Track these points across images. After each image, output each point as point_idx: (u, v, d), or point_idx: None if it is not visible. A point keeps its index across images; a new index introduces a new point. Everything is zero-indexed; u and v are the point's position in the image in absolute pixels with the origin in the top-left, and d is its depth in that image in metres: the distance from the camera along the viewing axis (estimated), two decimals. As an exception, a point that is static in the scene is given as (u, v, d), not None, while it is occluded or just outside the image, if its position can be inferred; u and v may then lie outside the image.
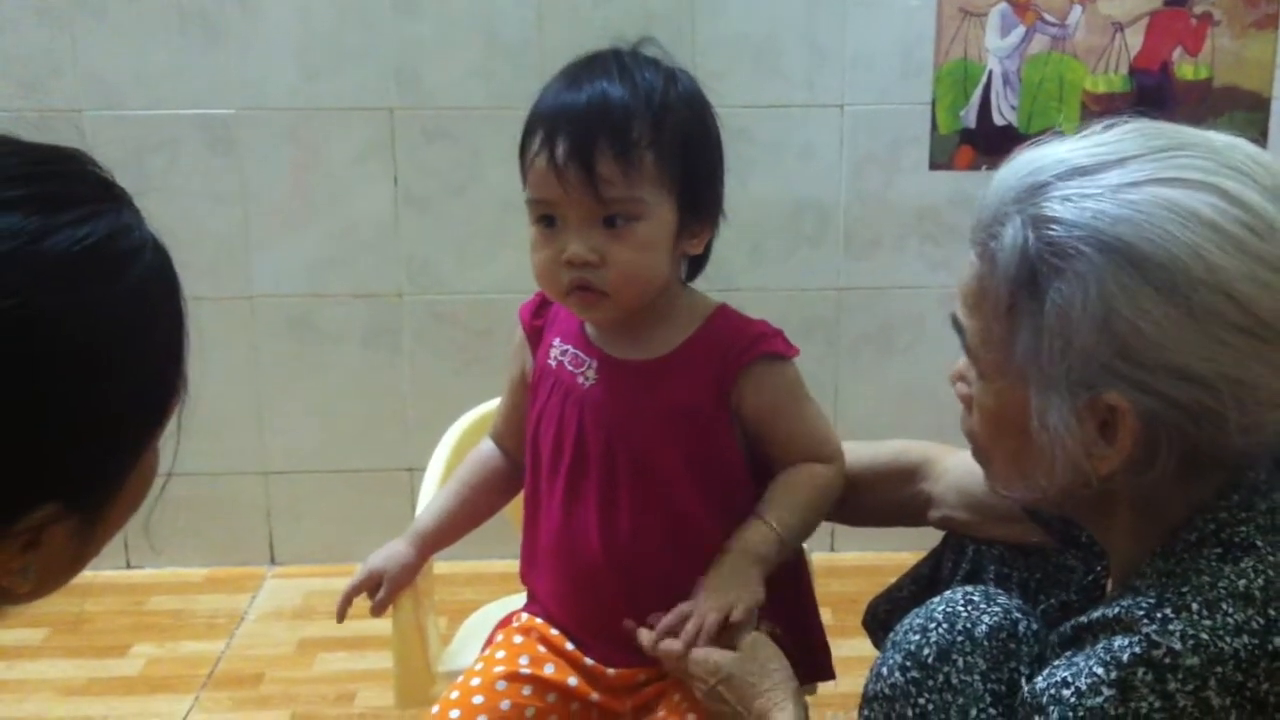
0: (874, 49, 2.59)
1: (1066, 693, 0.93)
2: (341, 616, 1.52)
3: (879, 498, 1.51)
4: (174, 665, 2.45)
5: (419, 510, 1.61)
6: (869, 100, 2.61)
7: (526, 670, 1.42)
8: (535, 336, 1.48)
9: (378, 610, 1.55)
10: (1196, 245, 0.91)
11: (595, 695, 1.41)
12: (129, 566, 2.78)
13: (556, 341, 1.44)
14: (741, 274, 2.62)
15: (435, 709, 1.40)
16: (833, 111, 2.62)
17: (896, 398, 2.68)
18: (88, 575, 2.66)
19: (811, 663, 1.46)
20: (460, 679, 1.44)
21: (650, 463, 1.37)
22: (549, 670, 1.42)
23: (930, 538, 1.48)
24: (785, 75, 2.60)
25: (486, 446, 1.58)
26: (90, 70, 2.55)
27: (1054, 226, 0.95)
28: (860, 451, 1.53)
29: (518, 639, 1.46)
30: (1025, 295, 0.97)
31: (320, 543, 2.80)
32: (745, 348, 1.37)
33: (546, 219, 1.32)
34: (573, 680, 1.42)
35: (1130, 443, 0.95)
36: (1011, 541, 1.38)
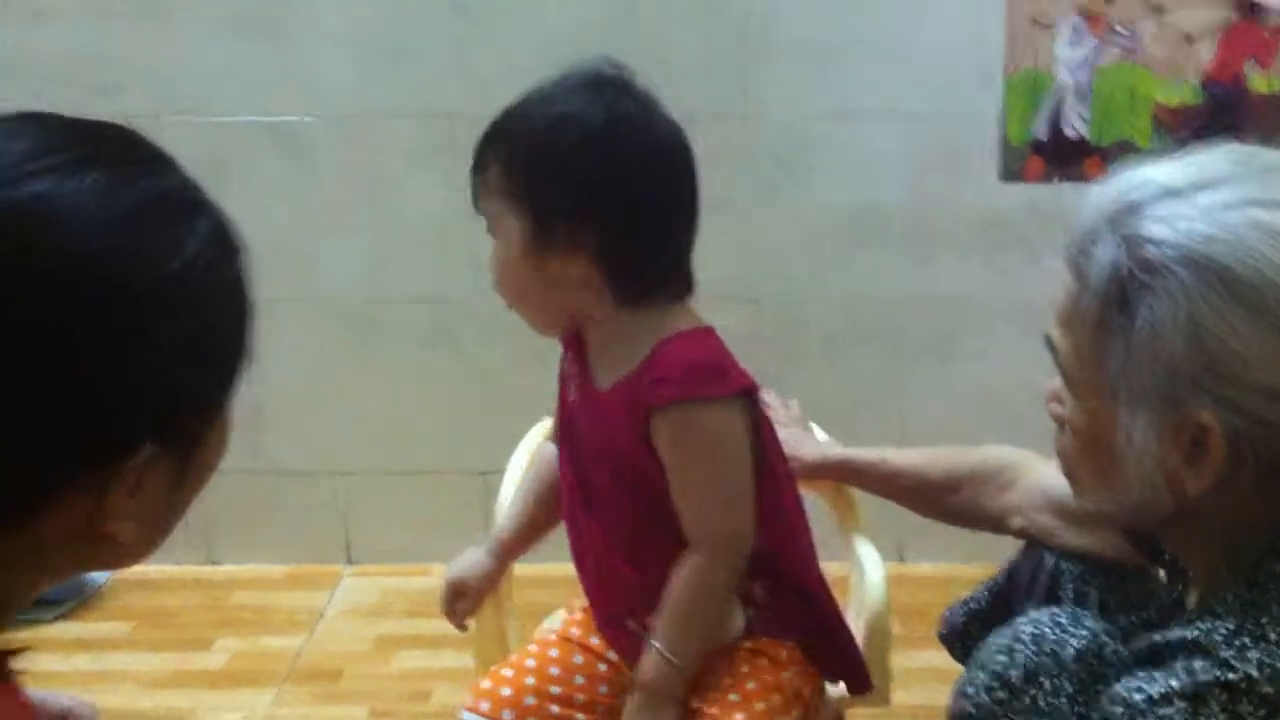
0: (942, 58, 2.61)
1: (1139, 698, 0.96)
2: (462, 624, 1.60)
3: (963, 500, 1.55)
4: (256, 659, 2.52)
5: (497, 516, 1.65)
6: (936, 109, 2.63)
7: (577, 636, 1.51)
8: (566, 342, 1.47)
9: (459, 620, 1.60)
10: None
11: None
12: (211, 563, 2.86)
13: (570, 353, 1.46)
14: (804, 281, 2.66)
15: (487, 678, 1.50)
16: (898, 120, 2.64)
17: (962, 407, 2.70)
18: (171, 570, 2.74)
19: (846, 675, 1.51)
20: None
21: (610, 491, 1.39)
22: (594, 641, 1.50)
23: (1002, 551, 1.51)
24: (851, 82, 2.63)
25: (548, 450, 1.58)
26: (162, 76, 2.62)
27: (1147, 245, 0.97)
28: (951, 454, 1.56)
29: (577, 615, 1.55)
30: (1116, 313, 0.99)
31: (395, 543, 2.86)
32: (645, 392, 1.32)
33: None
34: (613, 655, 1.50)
35: (1218, 461, 0.97)
36: (1091, 554, 1.41)
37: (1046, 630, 1.14)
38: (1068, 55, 2.59)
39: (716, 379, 1.32)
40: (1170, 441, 0.98)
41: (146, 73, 2.63)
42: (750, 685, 1.42)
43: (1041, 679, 1.11)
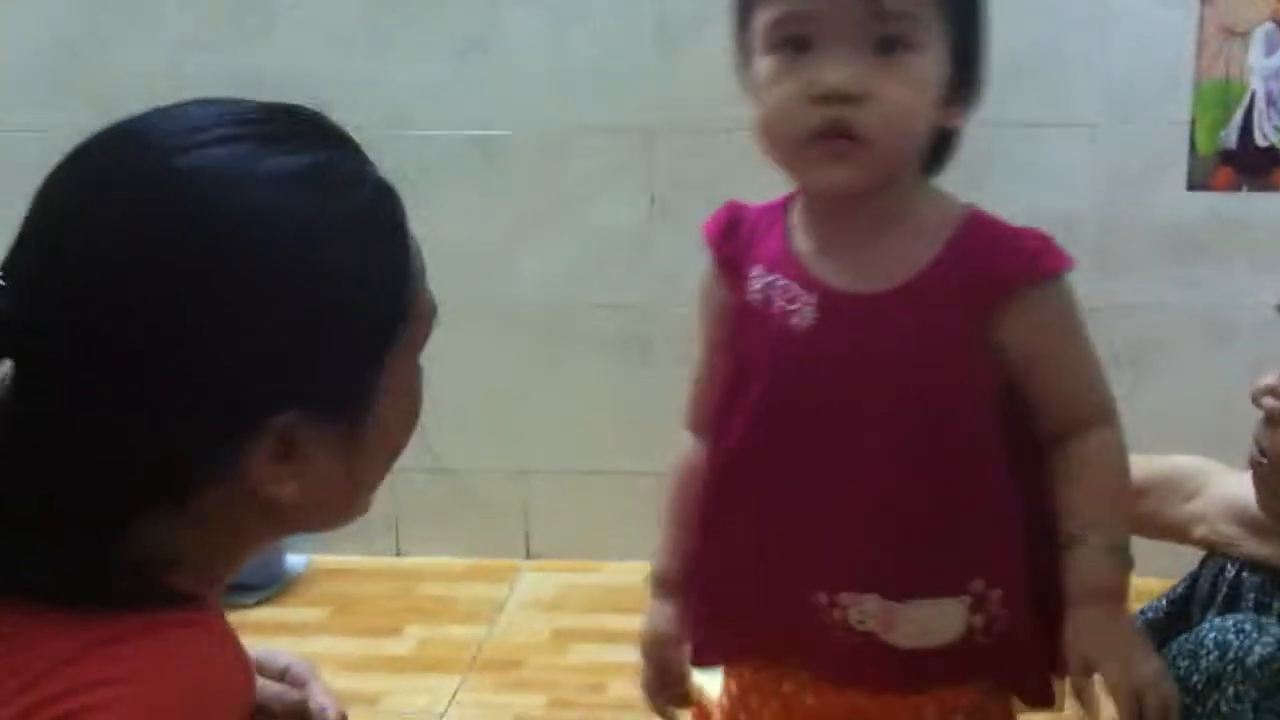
0: (1132, 68, 2.59)
1: None
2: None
3: (1149, 508, 1.55)
4: (441, 648, 2.63)
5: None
6: (1125, 119, 2.61)
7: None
8: (729, 267, 1.21)
9: (682, 703, 1.33)
10: None
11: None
12: (399, 554, 2.99)
13: (758, 270, 1.18)
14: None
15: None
16: (1085, 130, 2.63)
17: (1151, 417, 2.66)
18: (362, 560, 2.86)
19: (1032, 692, 1.23)
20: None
21: (888, 421, 1.12)
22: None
23: (1172, 563, 1.50)
24: (1041, 93, 2.62)
25: (687, 458, 1.32)
26: (374, 93, 2.77)
27: None
28: (1137, 461, 1.57)
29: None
30: None
31: (572, 539, 2.96)
32: (1015, 270, 1.11)
33: (796, 41, 1.06)
34: None
35: None
36: (1273, 565, 1.40)
37: (1230, 636, 1.15)
38: (1262, 63, 2.54)
39: (1056, 251, 1.14)
40: None
41: (359, 89, 2.78)
42: None
43: (1225, 685, 1.12)
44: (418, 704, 2.42)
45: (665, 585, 1.30)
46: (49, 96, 2.80)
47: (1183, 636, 1.19)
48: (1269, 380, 1.15)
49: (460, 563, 2.98)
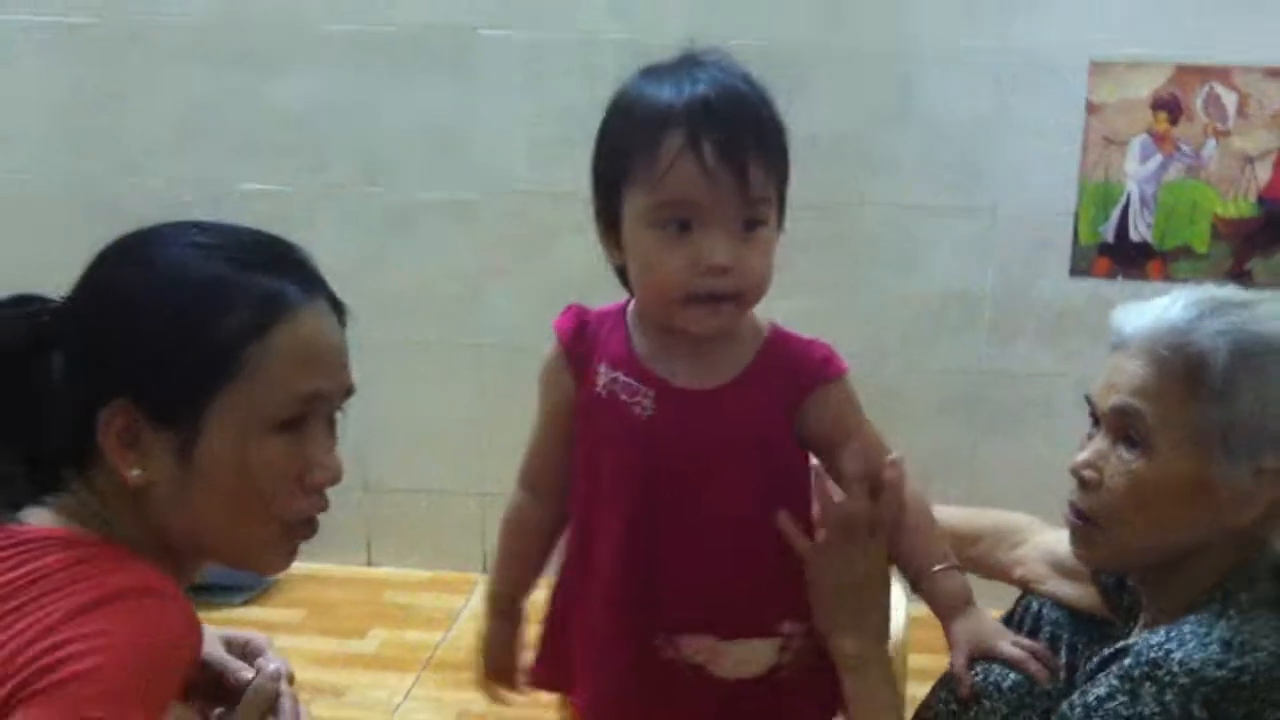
0: (1028, 167, 2.97)
1: (1090, 699, 1.29)
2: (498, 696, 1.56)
3: (981, 551, 1.86)
4: (401, 649, 2.96)
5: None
6: (1018, 210, 3.00)
7: None
8: (577, 362, 1.39)
9: (497, 697, 1.56)
10: None
11: None
12: (370, 564, 3.34)
13: (603, 368, 1.36)
14: (896, 355, 3.03)
15: None
16: (985, 217, 3.01)
17: (1026, 475, 2.99)
18: (336, 569, 3.19)
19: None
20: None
21: (722, 492, 1.34)
22: None
23: (1004, 601, 1.84)
24: (948, 183, 3.01)
25: (519, 511, 1.51)
26: (363, 146, 3.11)
27: (1248, 338, 1.30)
28: (975, 513, 1.88)
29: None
30: (1222, 386, 1.30)
31: (525, 557, 3.29)
32: (813, 372, 1.35)
33: (679, 221, 1.23)
34: None
35: (1272, 496, 1.30)
36: (1070, 603, 1.72)
37: (995, 665, 1.48)
38: (1137, 170, 2.92)
39: (838, 357, 1.39)
40: (1253, 481, 1.31)
41: (349, 147, 3.13)
42: None
43: (983, 700, 1.45)
44: (378, 697, 2.75)
45: (498, 608, 1.54)
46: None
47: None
48: (1086, 456, 1.46)
49: (424, 574, 3.32)
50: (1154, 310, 1.38)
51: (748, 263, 1.24)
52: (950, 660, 1.44)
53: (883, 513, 1.38)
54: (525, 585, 1.53)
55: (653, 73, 1.28)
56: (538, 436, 1.47)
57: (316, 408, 1.11)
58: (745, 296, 1.28)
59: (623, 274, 1.35)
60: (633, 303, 1.39)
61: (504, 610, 1.53)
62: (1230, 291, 1.37)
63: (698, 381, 1.33)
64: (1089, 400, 1.45)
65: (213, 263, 1.08)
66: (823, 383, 1.34)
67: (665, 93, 1.24)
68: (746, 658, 1.38)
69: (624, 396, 1.33)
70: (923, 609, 1.48)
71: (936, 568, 1.42)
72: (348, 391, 1.17)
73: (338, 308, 1.16)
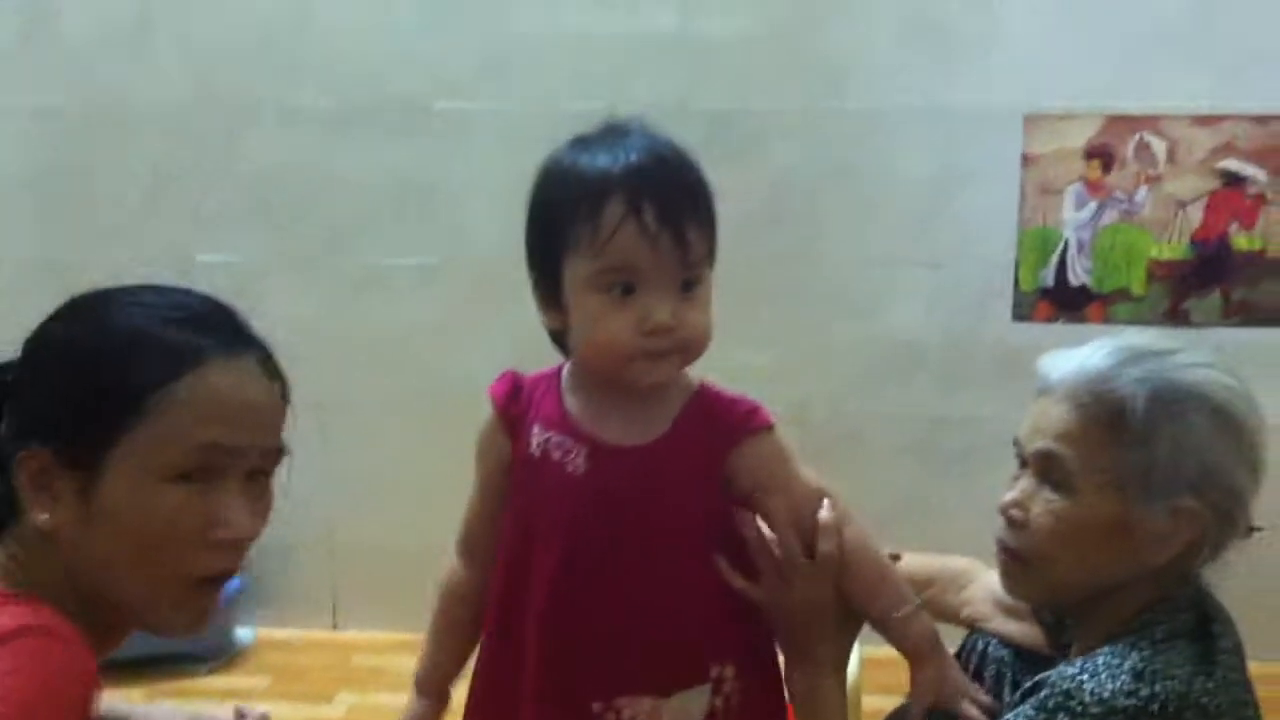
0: (968, 218, 3.08)
1: None
2: None
3: (932, 595, 1.90)
4: (369, 713, 2.98)
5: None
6: (962, 260, 3.09)
7: None
8: (511, 424, 1.41)
9: None
10: (1247, 406, 1.36)
11: None
12: (336, 628, 3.37)
13: (537, 428, 1.38)
14: (848, 402, 3.10)
15: None
16: (931, 268, 3.11)
17: (978, 515, 3.07)
18: (303, 634, 3.21)
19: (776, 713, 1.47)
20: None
21: (654, 544, 1.35)
22: None
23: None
24: (893, 235, 3.10)
25: (454, 578, 1.50)
26: (329, 221, 3.17)
27: (1166, 386, 1.35)
28: (925, 558, 1.93)
29: None
30: (1141, 431, 1.35)
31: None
32: (739, 425, 1.36)
33: (623, 285, 1.27)
34: None
35: (1189, 536, 1.35)
36: (1014, 640, 1.78)
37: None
38: (1073, 217, 3.02)
39: (762, 411, 1.39)
40: (1171, 522, 1.36)
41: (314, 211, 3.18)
42: None
43: None
44: (346, 762, 2.79)
45: (424, 687, 1.54)
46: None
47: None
48: (1013, 496, 1.51)
49: (392, 636, 3.32)
50: (1077, 358, 1.43)
51: (689, 319, 1.28)
52: (911, 708, 1.48)
53: (822, 553, 1.40)
54: (458, 661, 1.52)
55: (581, 143, 1.32)
56: (474, 503, 1.48)
57: (226, 462, 1.11)
58: (689, 350, 1.31)
59: (557, 338, 1.39)
60: (567, 366, 1.42)
61: (432, 691, 1.53)
62: (1149, 340, 1.43)
63: (628, 438, 1.35)
64: (1016, 443, 1.51)
65: (139, 318, 1.12)
66: (748, 435, 1.36)
67: (600, 161, 1.28)
68: (685, 710, 1.38)
69: (556, 455, 1.36)
70: (879, 650, 1.51)
71: (900, 612, 1.44)
72: (273, 453, 1.17)
73: (273, 373, 1.17)
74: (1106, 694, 1.30)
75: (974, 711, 1.45)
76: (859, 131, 3.08)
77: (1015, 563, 1.47)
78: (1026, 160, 3.02)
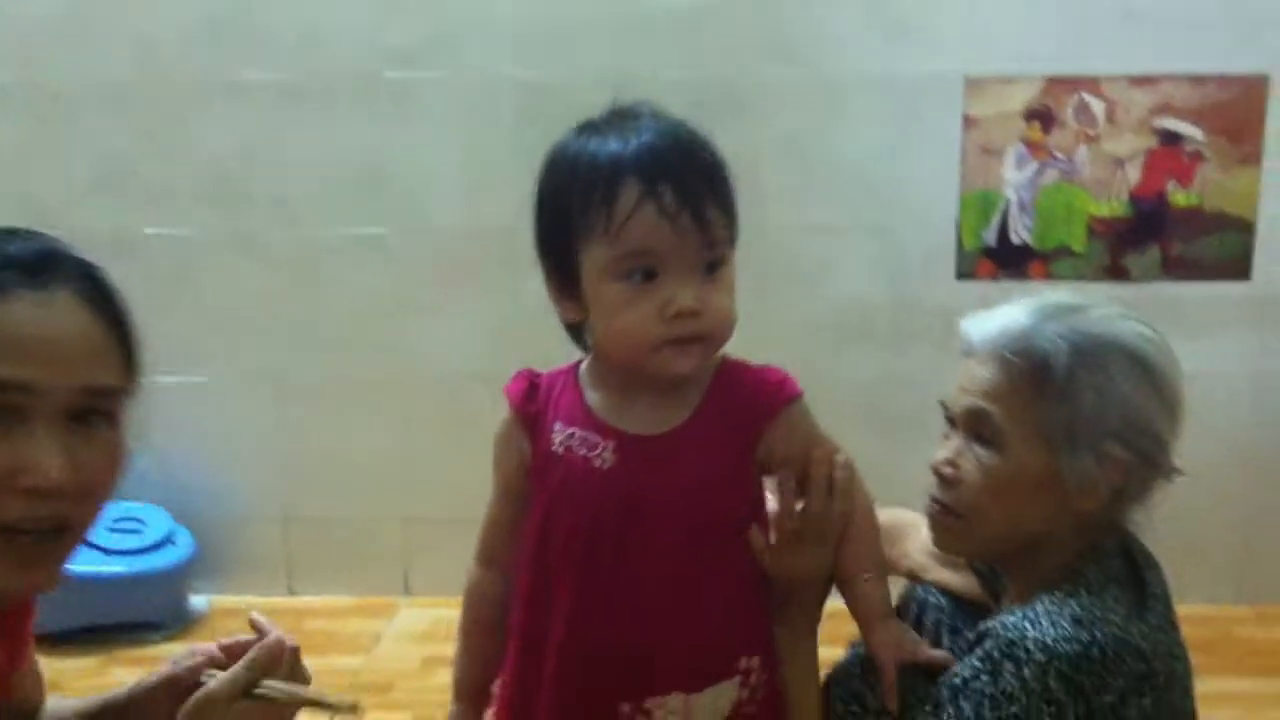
0: (911, 182, 3.12)
1: (956, 680, 1.39)
2: None
3: None
4: (324, 676, 2.94)
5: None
6: (906, 222, 3.14)
7: None
8: (530, 424, 1.37)
9: None
10: (1164, 355, 1.40)
11: None
12: (291, 594, 3.39)
13: (559, 426, 1.35)
14: (799, 367, 3.13)
15: None
16: (875, 232, 3.15)
17: (925, 471, 3.13)
18: (258, 601, 3.26)
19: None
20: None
21: (685, 535, 1.32)
22: None
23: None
24: (838, 202, 3.14)
25: (480, 588, 1.45)
26: (275, 197, 3.17)
27: (1082, 339, 1.39)
28: None
29: None
30: (1064, 384, 1.38)
31: (448, 578, 3.34)
32: (770, 400, 1.35)
33: (644, 270, 1.23)
34: None
35: (1116, 482, 1.40)
36: (952, 589, 1.82)
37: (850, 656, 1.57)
38: (1015, 177, 3.07)
39: (792, 379, 1.41)
40: (1097, 470, 1.40)
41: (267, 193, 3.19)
42: None
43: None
44: (301, 722, 2.80)
45: (461, 692, 1.46)
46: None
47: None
48: (944, 454, 1.55)
49: (347, 600, 3.38)
50: (998, 318, 1.48)
51: (714, 303, 1.25)
52: (875, 662, 1.49)
53: (839, 514, 1.41)
54: (492, 664, 1.44)
55: (589, 128, 1.28)
56: (495, 509, 1.45)
57: (25, 401, 1.03)
58: (714, 337, 1.28)
59: (573, 331, 1.35)
60: (585, 361, 1.39)
61: (471, 695, 1.46)
62: (1066, 296, 1.48)
63: (656, 426, 1.32)
64: (943, 404, 1.54)
65: None
66: (784, 406, 1.36)
67: (611, 144, 1.24)
68: (715, 704, 1.35)
69: (582, 451, 1.32)
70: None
71: (866, 576, 1.45)
72: (101, 392, 1.07)
73: (101, 308, 1.09)
74: (1049, 641, 1.33)
75: (940, 653, 1.47)
76: (802, 100, 3.12)
77: (949, 518, 1.51)
78: (968, 123, 3.06)
